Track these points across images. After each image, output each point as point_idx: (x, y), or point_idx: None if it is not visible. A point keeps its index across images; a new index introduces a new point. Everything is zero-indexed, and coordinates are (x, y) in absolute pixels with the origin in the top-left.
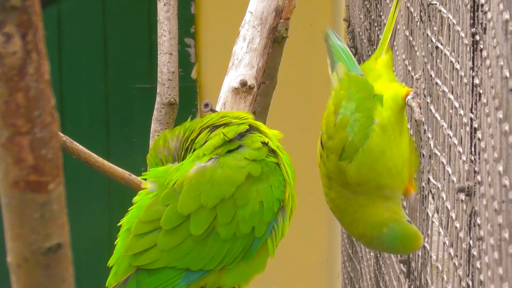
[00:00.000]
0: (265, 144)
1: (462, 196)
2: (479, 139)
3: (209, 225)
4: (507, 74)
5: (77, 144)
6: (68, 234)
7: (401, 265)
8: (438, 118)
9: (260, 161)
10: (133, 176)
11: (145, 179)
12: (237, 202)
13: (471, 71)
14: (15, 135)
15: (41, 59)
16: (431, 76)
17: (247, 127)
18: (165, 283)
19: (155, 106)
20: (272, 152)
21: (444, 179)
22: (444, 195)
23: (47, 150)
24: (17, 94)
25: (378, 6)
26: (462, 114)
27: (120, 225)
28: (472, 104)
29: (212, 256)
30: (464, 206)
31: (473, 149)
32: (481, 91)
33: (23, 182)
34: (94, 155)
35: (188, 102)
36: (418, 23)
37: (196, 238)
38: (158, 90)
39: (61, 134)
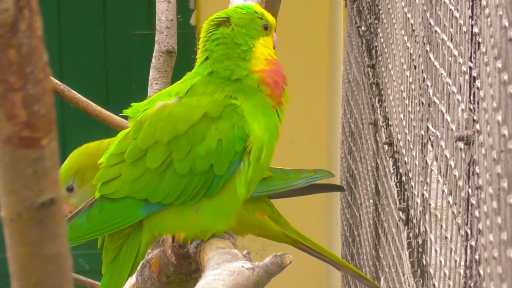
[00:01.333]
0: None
1: (461, 144)
2: (478, 88)
3: (164, 160)
4: (506, 24)
5: (75, 92)
6: (60, 190)
7: (400, 212)
8: (437, 66)
9: (221, 103)
10: None
11: (126, 116)
12: (191, 139)
13: (470, 19)
14: (8, 91)
15: (33, 16)
16: (430, 24)
17: None
18: (125, 210)
19: (154, 54)
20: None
21: (443, 127)
22: (443, 143)
23: (40, 106)
24: (9, 50)
25: None
26: (461, 63)
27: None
28: (471, 53)
29: (169, 190)
30: (463, 155)
31: (472, 98)
32: (480, 40)
33: (15, 138)
34: (92, 103)
35: (187, 49)
36: None
37: (154, 172)
38: (156, 38)
39: (59, 83)
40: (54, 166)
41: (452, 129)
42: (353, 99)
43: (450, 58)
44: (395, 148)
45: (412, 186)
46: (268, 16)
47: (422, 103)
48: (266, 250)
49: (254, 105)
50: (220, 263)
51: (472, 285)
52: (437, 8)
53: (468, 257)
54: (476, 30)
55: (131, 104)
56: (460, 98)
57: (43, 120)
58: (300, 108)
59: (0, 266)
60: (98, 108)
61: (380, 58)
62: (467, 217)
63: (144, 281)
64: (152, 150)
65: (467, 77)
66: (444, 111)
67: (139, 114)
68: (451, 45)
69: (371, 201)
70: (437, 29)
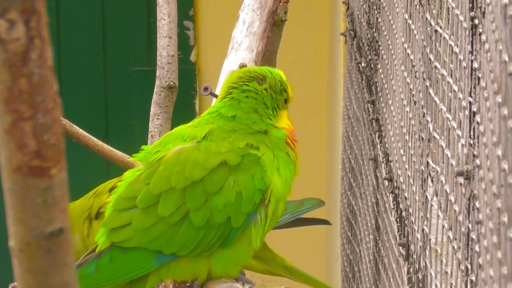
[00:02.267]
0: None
1: (461, 179)
2: (478, 122)
3: (178, 209)
4: (506, 59)
5: (77, 127)
6: (69, 219)
7: (400, 247)
8: (437, 101)
9: (241, 151)
10: None
11: (135, 161)
12: (207, 188)
13: (470, 55)
14: (18, 120)
15: (44, 45)
16: (430, 59)
17: None
18: (138, 261)
19: (155, 90)
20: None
21: (443, 163)
22: (443, 179)
23: (50, 136)
24: (20, 80)
25: None
26: (461, 98)
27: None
28: (471, 88)
29: (185, 242)
30: (463, 190)
31: (472, 133)
32: (480, 75)
33: (25, 167)
34: (94, 138)
35: (188, 85)
36: (417, 7)
37: (167, 221)
38: (157, 74)
39: (62, 118)
40: (63, 195)
41: (452, 164)
42: (353, 135)
43: (450, 94)
44: (395, 184)
45: (412, 221)
46: (289, 90)
47: (422, 138)
48: (266, 286)
49: (276, 156)
50: None
51: None
52: (437, 43)
53: None
54: (476, 65)
55: (142, 147)
56: (460, 133)
57: (53, 149)
58: (300, 144)
59: None
60: (100, 143)
61: (380, 94)
62: (467, 252)
63: None
64: (166, 197)
65: (467, 112)
66: (444, 146)
67: (151, 157)
68: (451, 81)
69: (371, 236)
70: (437, 64)
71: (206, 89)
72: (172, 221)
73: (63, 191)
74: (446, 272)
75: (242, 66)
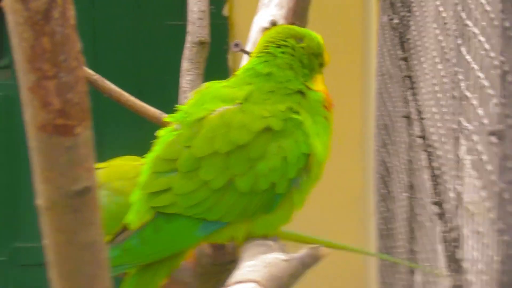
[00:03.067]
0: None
1: (493, 139)
2: (509, 82)
3: (221, 173)
4: None
5: (109, 82)
6: (96, 178)
7: (434, 206)
8: (469, 59)
9: (283, 115)
10: (165, 114)
11: (168, 122)
12: (251, 153)
13: (501, 13)
14: (42, 79)
15: (66, 4)
16: (461, 17)
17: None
18: (183, 231)
19: (186, 45)
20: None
21: (475, 122)
22: (475, 138)
23: (73, 94)
24: (42, 38)
25: None
26: (493, 57)
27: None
28: (502, 47)
29: (228, 209)
30: (496, 149)
31: (504, 92)
32: (511, 34)
33: (50, 126)
34: (125, 93)
35: (220, 40)
36: None
37: (210, 187)
38: (188, 29)
39: (93, 73)
40: (88, 154)
41: (484, 123)
42: (386, 92)
43: (482, 52)
44: (428, 142)
45: (445, 180)
46: (326, 55)
47: (454, 96)
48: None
49: (315, 121)
50: (256, 254)
51: (506, 280)
52: (469, 1)
53: (502, 252)
54: (507, 24)
55: (176, 106)
56: (492, 92)
57: (77, 108)
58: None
59: (36, 255)
60: (132, 98)
61: (412, 51)
62: (501, 212)
63: (180, 271)
64: (209, 161)
65: (498, 71)
66: (476, 105)
67: (188, 117)
68: (482, 39)
69: (405, 194)
70: (469, 22)
71: (236, 45)
72: (216, 186)
73: (88, 150)
74: (479, 232)
75: (273, 23)
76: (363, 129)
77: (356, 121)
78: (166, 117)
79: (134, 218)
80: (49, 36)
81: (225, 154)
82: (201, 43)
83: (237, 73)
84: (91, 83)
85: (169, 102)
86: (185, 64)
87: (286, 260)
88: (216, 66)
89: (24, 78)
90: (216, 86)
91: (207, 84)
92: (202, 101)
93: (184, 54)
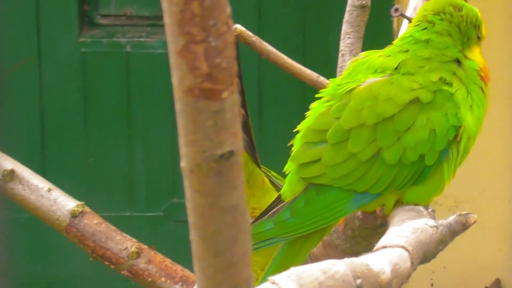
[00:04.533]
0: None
1: None
2: None
3: (368, 145)
4: None
5: (266, 44)
6: (241, 142)
7: None
8: None
9: (433, 86)
10: (322, 77)
11: (320, 97)
12: (398, 126)
13: None
14: (190, 43)
15: None
16: None
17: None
18: (334, 203)
19: (347, 9)
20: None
21: None
22: None
23: (222, 59)
24: (192, 3)
25: None
26: None
27: (297, 131)
28: None
29: (377, 180)
30: None
31: None
32: None
33: (197, 90)
34: (283, 55)
35: (383, 4)
36: None
37: (358, 158)
38: None
39: (251, 34)
40: (234, 118)
41: None
42: None
43: None
44: None
45: None
46: (483, 28)
47: None
48: (458, 206)
49: (470, 92)
50: (404, 219)
51: None
52: None
53: None
54: None
55: (329, 80)
56: None
57: (225, 72)
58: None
59: (180, 211)
60: (289, 60)
61: None
62: None
63: (330, 234)
64: (356, 133)
65: None
66: None
67: (340, 88)
68: None
69: None
70: None
71: (396, 10)
72: (363, 158)
73: (234, 114)
74: None
75: None
76: None
77: (505, 92)
78: (318, 93)
79: (286, 190)
80: (199, 0)
81: (372, 126)
82: (361, 7)
83: (394, 42)
84: (249, 45)
85: (332, 64)
86: (345, 27)
87: (434, 227)
88: (378, 30)
89: (173, 42)
90: (371, 56)
91: (364, 53)
92: (356, 72)
93: (344, 17)
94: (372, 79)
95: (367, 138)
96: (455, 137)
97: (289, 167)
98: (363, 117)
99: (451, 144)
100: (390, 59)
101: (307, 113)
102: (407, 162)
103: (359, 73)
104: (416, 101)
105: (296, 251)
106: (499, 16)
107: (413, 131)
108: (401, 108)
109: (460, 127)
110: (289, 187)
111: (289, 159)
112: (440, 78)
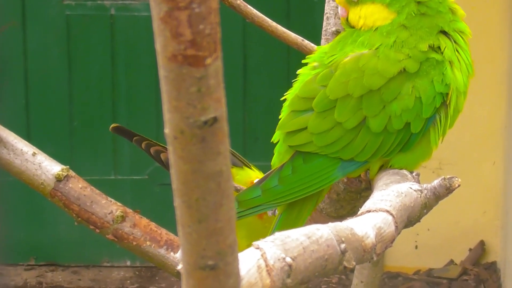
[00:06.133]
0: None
1: None
2: None
3: (354, 114)
4: None
5: (251, 7)
6: (225, 108)
7: None
8: None
9: (421, 56)
10: (306, 41)
11: (307, 63)
12: (384, 96)
13: None
14: (174, 9)
15: None
16: None
17: None
18: (321, 171)
19: None
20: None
21: None
22: None
23: (205, 25)
24: None
25: None
26: None
27: (285, 99)
28: None
29: (363, 148)
30: None
31: None
32: None
33: (180, 56)
34: (268, 19)
35: None
36: None
37: (344, 127)
38: None
39: None
40: (218, 85)
41: None
42: None
43: None
44: None
45: None
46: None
47: None
48: (443, 169)
49: (459, 45)
50: (389, 183)
51: None
52: None
53: None
54: None
55: (316, 48)
56: None
57: (208, 39)
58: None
59: (165, 175)
60: (274, 24)
61: None
62: None
63: None
64: (342, 103)
65: None
66: None
67: (326, 58)
68: None
69: None
70: None
71: None
72: (349, 126)
73: (218, 81)
74: None
75: None
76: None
77: (501, 53)
78: (305, 59)
79: (275, 159)
80: None
81: (357, 98)
82: None
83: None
84: (234, 8)
85: (317, 28)
86: None
87: (418, 190)
88: None
89: (156, 8)
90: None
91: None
92: (343, 43)
93: None
94: (359, 53)
95: (352, 108)
96: (443, 103)
97: (277, 136)
98: (349, 88)
99: (438, 110)
100: (376, 33)
101: (294, 81)
102: (392, 130)
103: (346, 46)
104: (402, 71)
105: (292, 219)
106: (499, 16)
107: (398, 100)
108: (387, 80)
109: (447, 94)
110: (278, 156)
111: (277, 127)
112: (429, 46)
